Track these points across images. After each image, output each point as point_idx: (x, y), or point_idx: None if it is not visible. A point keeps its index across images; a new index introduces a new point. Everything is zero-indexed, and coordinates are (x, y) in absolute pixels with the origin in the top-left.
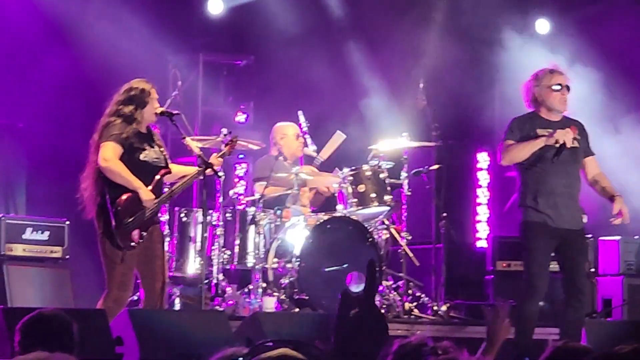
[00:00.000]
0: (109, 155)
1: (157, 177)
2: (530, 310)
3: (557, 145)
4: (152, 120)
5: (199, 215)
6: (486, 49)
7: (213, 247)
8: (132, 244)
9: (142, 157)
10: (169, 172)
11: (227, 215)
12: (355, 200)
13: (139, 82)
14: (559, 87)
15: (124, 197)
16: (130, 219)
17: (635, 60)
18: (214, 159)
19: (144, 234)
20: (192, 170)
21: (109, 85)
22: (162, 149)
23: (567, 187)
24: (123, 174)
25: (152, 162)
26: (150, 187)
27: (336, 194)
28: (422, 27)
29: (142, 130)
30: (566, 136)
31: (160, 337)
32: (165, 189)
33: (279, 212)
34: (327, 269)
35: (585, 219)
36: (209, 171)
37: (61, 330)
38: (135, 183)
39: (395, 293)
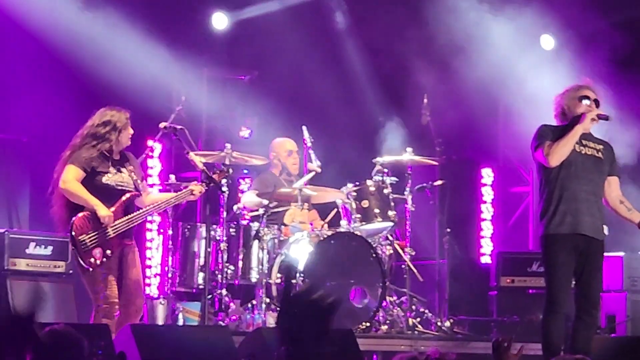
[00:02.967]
0: (68, 177)
1: (123, 199)
2: (554, 327)
3: (597, 120)
4: (127, 144)
5: (202, 230)
6: (491, 64)
7: (216, 262)
8: (95, 261)
9: (104, 180)
10: (138, 196)
11: (231, 230)
12: (359, 215)
13: (115, 109)
14: (587, 100)
15: (80, 215)
16: (87, 237)
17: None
18: (197, 187)
19: (108, 252)
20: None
21: (114, 100)
22: (132, 174)
23: (591, 194)
24: (80, 194)
25: (116, 185)
26: (113, 208)
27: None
28: (426, 43)
29: (114, 154)
30: (594, 112)
31: (163, 353)
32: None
33: (282, 227)
34: (330, 285)
35: (606, 230)
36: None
37: (71, 347)
38: (92, 201)
39: (399, 309)
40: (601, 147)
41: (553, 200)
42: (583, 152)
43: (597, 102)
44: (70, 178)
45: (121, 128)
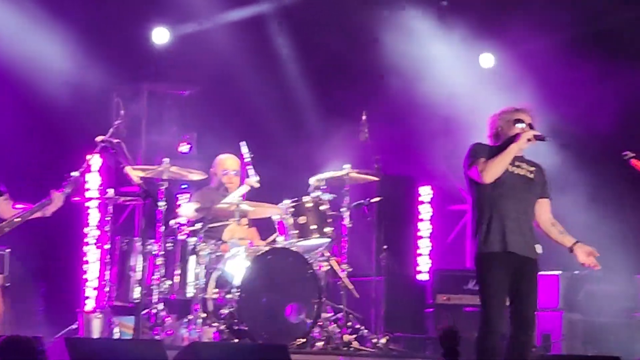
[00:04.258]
0: None
1: None
2: (489, 346)
3: (534, 140)
4: None
5: (139, 244)
6: (430, 81)
7: (153, 277)
8: None
9: None
10: None
11: (168, 245)
12: (296, 231)
13: None
14: (521, 124)
15: None
16: None
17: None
18: (57, 198)
19: None
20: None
21: (56, 112)
22: None
23: (522, 213)
24: None
25: None
26: None
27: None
28: (365, 60)
29: None
30: (530, 132)
31: None
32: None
33: (219, 243)
34: (266, 300)
35: (539, 249)
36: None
37: (31, 355)
38: None
39: (334, 325)
40: (533, 168)
41: (484, 219)
42: (515, 172)
43: (531, 127)
44: None
45: None
